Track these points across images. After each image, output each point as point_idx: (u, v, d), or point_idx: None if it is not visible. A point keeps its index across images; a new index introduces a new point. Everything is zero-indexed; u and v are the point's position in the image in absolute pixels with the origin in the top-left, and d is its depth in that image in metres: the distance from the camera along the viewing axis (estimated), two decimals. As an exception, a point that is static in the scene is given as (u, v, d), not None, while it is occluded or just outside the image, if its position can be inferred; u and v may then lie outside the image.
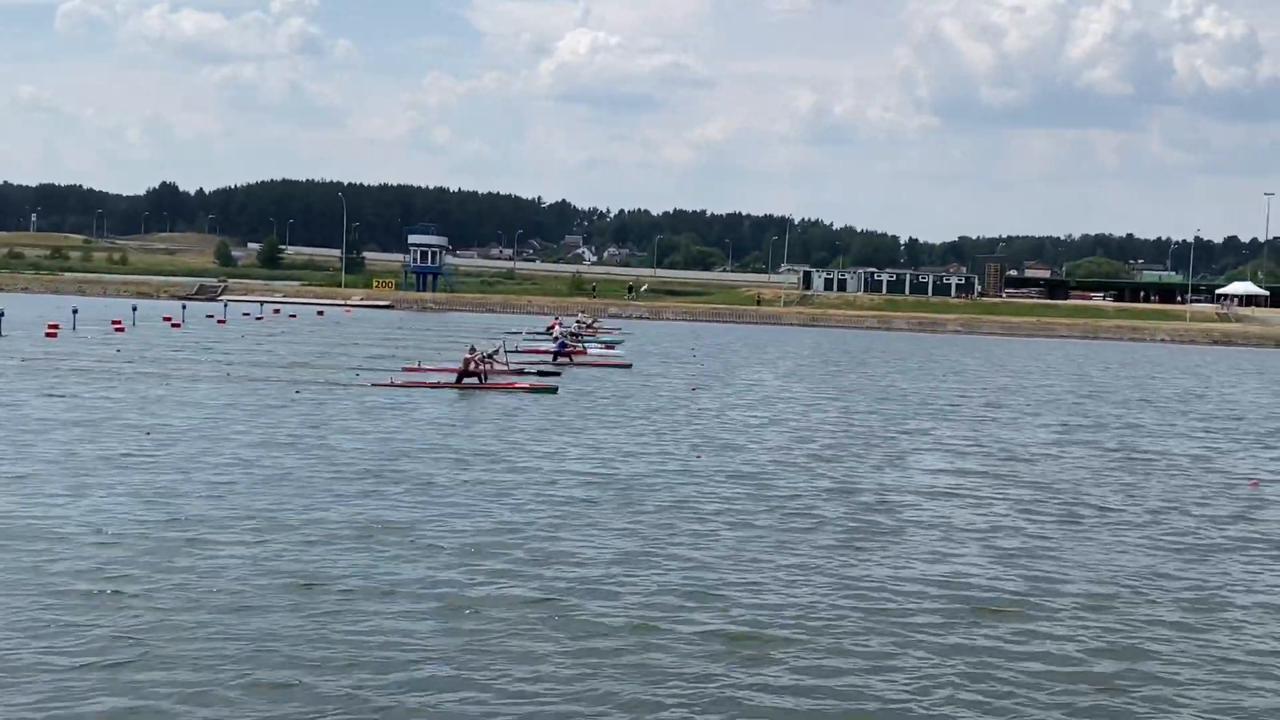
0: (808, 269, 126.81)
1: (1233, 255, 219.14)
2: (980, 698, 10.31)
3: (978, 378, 49.07)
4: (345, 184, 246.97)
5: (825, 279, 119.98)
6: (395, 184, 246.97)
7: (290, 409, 28.12)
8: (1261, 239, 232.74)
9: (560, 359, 44.86)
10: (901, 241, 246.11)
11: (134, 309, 63.15)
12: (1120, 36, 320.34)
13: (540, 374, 38.36)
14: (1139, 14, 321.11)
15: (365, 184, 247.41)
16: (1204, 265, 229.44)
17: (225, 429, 24.12)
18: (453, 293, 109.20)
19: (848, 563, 14.83)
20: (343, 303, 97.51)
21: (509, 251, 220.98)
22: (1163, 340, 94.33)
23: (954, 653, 11.43)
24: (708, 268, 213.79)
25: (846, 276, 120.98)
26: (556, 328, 57.89)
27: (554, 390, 34.36)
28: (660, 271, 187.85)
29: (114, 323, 55.92)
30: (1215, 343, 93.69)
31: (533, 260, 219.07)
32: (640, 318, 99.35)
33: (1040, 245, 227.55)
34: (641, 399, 34.17)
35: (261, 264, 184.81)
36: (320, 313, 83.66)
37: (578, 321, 66.30)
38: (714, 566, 14.27)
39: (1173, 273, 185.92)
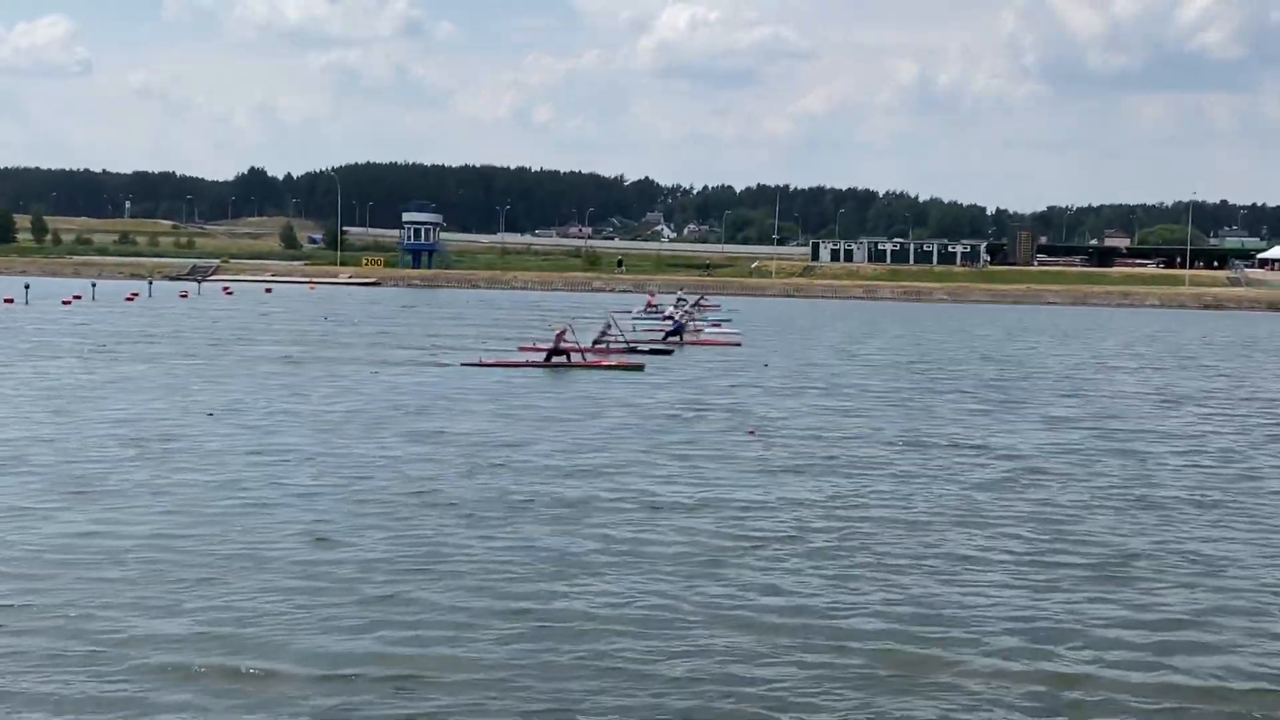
0: (816, 240, 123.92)
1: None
2: None
3: (814, 340, 47.60)
4: (429, 165, 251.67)
5: (832, 250, 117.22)
6: (478, 165, 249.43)
7: None
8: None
9: (671, 339, 42.58)
10: (989, 212, 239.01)
11: (24, 288, 64.77)
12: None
13: (653, 351, 37.61)
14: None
15: (448, 165, 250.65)
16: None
17: None
18: (445, 269, 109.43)
19: None
20: (307, 280, 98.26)
21: (588, 230, 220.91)
22: (1152, 305, 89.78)
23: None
24: (782, 242, 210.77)
25: (854, 247, 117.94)
26: (669, 308, 54.97)
27: (641, 368, 33.09)
28: (728, 247, 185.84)
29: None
30: (1206, 307, 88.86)
31: (611, 239, 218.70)
32: (623, 290, 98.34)
33: (1131, 213, 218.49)
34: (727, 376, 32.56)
35: (326, 246, 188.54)
36: (268, 290, 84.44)
37: (679, 300, 62.41)
38: None
39: (1258, 239, 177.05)
